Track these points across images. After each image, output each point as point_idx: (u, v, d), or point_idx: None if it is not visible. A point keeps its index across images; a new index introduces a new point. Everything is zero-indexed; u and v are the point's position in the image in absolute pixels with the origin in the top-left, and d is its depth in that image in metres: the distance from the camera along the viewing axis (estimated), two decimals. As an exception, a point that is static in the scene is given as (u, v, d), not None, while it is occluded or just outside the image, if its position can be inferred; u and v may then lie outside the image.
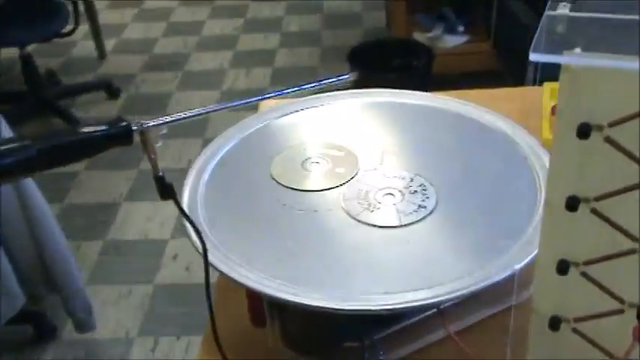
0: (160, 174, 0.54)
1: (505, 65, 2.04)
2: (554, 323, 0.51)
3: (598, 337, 0.50)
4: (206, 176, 0.67)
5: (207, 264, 0.54)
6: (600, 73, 0.40)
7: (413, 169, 0.66)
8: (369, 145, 0.71)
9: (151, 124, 0.56)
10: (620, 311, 0.48)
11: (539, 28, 0.39)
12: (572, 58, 0.39)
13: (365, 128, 0.74)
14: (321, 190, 0.64)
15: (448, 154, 0.68)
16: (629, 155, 0.42)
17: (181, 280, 1.75)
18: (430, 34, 2.26)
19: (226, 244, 0.58)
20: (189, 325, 1.60)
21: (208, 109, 0.63)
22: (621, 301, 0.48)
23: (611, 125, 0.42)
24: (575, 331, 0.50)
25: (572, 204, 0.45)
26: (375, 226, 0.59)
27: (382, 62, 2.16)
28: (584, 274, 0.48)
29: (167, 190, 0.53)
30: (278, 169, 0.68)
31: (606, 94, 0.41)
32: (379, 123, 0.75)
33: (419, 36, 2.25)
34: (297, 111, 0.77)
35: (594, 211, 0.45)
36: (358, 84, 2.05)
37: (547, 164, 0.64)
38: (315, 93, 0.77)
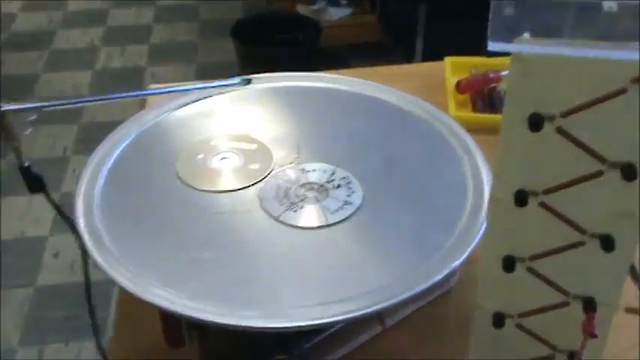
0: (26, 164, 0.47)
1: (392, 37, 2.04)
2: (498, 320, 0.48)
3: (543, 332, 0.48)
4: (102, 181, 0.59)
5: (86, 265, 0.48)
6: (553, 60, 0.38)
7: (333, 161, 0.61)
8: (280, 135, 0.65)
9: (8, 108, 0.49)
10: (566, 304, 0.46)
11: (490, 13, 0.35)
12: (535, 47, 0.35)
13: (273, 117, 0.68)
14: (236, 190, 0.58)
15: (366, 142, 0.64)
16: (582, 146, 0.39)
17: (65, 279, 1.62)
18: (314, 7, 2.21)
19: (132, 257, 0.51)
20: (78, 328, 1.48)
21: (79, 100, 0.56)
22: (567, 294, 0.46)
23: (564, 115, 0.39)
24: (519, 326, 0.48)
25: (522, 198, 0.42)
26: (299, 227, 0.54)
27: (267, 37, 2.09)
28: (530, 270, 0.46)
29: (35, 183, 0.46)
30: (184, 169, 0.61)
31: (558, 82, 0.38)
32: (288, 110, 0.69)
33: (303, 9, 2.20)
34: (195, 101, 0.70)
35: (543, 205, 0.43)
36: (244, 60, 1.96)
37: (470, 145, 0.61)
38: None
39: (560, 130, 0.39)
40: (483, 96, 0.91)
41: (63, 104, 0.57)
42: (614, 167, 0.40)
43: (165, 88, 0.68)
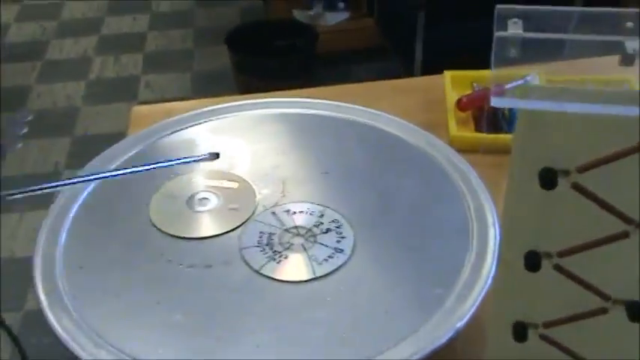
0: None
1: (390, 42, 1.97)
2: (509, 390, 0.43)
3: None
4: (67, 224, 0.54)
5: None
6: (564, 114, 0.32)
7: (321, 201, 0.56)
8: (265, 170, 0.59)
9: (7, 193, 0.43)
10: (585, 375, 0.41)
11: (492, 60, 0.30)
12: (540, 104, 0.29)
13: (257, 148, 0.62)
14: (214, 237, 0.53)
15: (359, 177, 0.58)
16: (604, 205, 0.34)
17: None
18: (310, 12, 2.15)
19: (94, 320, 0.46)
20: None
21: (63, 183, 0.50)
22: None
23: (581, 170, 0.33)
24: (532, 397, 0.43)
25: (533, 261, 0.36)
26: (284, 281, 0.49)
27: (262, 44, 2.03)
28: (544, 337, 0.40)
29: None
30: (158, 212, 0.55)
31: (573, 133, 0.32)
32: (273, 142, 0.63)
33: (299, 14, 2.14)
34: (174, 132, 0.64)
35: (557, 268, 0.37)
36: (239, 70, 1.90)
37: (472, 180, 0.56)
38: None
39: (577, 187, 0.33)
40: (486, 113, 0.85)
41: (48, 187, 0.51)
42: (642, 228, 0.34)
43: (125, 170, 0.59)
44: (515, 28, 0.32)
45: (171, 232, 0.53)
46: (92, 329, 0.45)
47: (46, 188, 0.49)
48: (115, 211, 0.56)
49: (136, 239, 0.53)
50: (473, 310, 0.45)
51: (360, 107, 0.66)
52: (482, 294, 0.46)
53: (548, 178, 0.33)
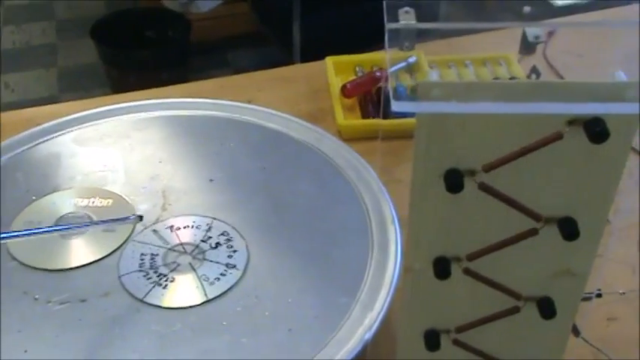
0: None
1: (267, 28, 1.92)
2: (424, 400, 0.40)
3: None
4: None
5: None
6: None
7: (208, 212, 0.51)
8: (142, 183, 0.54)
9: None
10: (500, 375, 0.39)
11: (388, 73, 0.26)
12: (446, 106, 0.26)
13: (133, 159, 0.56)
14: (87, 265, 0.46)
15: (246, 183, 0.54)
16: (511, 203, 0.31)
17: None
18: (181, 0, 2.05)
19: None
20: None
21: None
22: (500, 364, 0.39)
23: (487, 169, 0.30)
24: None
25: (443, 268, 0.34)
26: (173, 308, 0.44)
27: (132, 36, 1.91)
28: (457, 342, 0.38)
29: None
30: (19, 243, 0.48)
31: (478, 131, 0.30)
32: (150, 149, 0.57)
33: (169, 3, 2.03)
34: (33, 145, 0.57)
35: (467, 272, 0.34)
36: (109, 64, 1.78)
37: (366, 175, 0.53)
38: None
39: (484, 187, 0.31)
40: (372, 98, 0.83)
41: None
42: (551, 224, 0.32)
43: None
44: (407, 18, 0.28)
45: (36, 265, 0.46)
46: (-54, 392, 0.38)
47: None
48: (-33, 246, 0.48)
49: (-6, 277, 0.45)
50: (380, 318, 0.42)
51: (242, 104, 0.61)
52: (389, 298, 0.43)
53: (454, 180, 0.30)
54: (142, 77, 1.78)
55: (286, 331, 0.42)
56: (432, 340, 0.37)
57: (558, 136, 0.29)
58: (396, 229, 0.48)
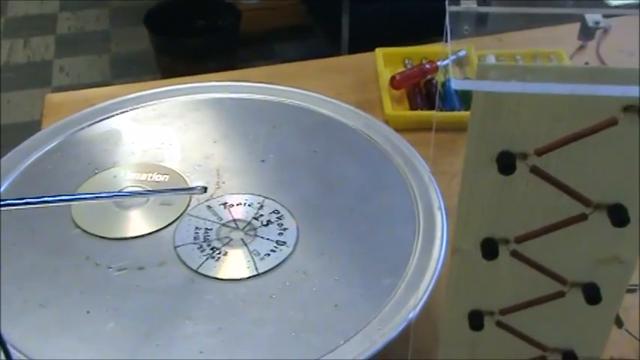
0: None
1: (316, 19, 1.94)
2: (465, 380, 0.41)
3: (516, 390, 0.41)
4: (-22, 232, 0.48)
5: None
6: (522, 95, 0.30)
7: (259, 191, 0.52)
8: (197, 161, 0.56)
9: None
10: (542, 359, 0.40)
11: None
12: (503, 85, 0.27)
13: (188, 139, 0.59)
14: (145, 236, 0.49)
15: (297, 165, 0.55)
16: (562, 187, 0.32)
17: None
18: (232, -11, 2.08)
19: (15, 335, 0.41)
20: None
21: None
22: (544, 348, 0.39)
23: (540, 153, 0.31)
24: (488, 385, 0.41)
25: (491, 249, 0.34)
26: (224, 280, 0.46)
27: (184, 24, 1.95)
28: (500, 324, 0.38)
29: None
30: (82, 211, 0.50)
31: (532, 114, 0.30)
32: (204, 130, 0.60)
33: (220, -8, 2.07)
34: (95, 122, 0.59)
35: (515, 254, 0.35)
36: (160, 51, 1.83)
37: (414, 161, 0.54)
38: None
39: (536, 170, 0.32)
40: (420, 90, 0.84)
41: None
42: (600, 209, 0.33)
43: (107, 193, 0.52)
44: (468, 3, 0.29)
45: (98, 233, 0.49)
46: (14, 346, 0.41)
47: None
48: (33, 212, 0.51)
49: (58, 243, 0.48)
50: (424, 299, 0.43)
51: (294, 89, 0.63)
52: (433, 282, 0.45)
53: (506, 162, 0.31)
54: (191, 65, 1.82)
55: (332, 307, 0.44)
56: (476, 320, 0.38)
57: (613, 122, 0.29)
58: (442, 214, 0.49)
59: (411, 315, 0.42)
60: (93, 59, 2.22)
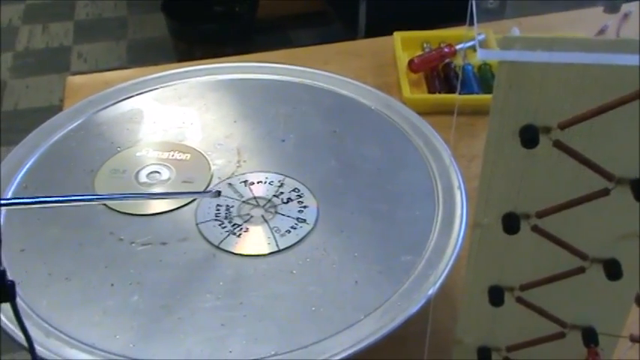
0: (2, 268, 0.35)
1: (333, 6, 1.94)
2: (484, 356, 0.42)
3: (535, 366, 0.42)
4: (2, 209, 0.49)
5: None
6: (549, 63, 0.30)
7: (280, 169, 0.53)
8: (218, 139, 0.56)
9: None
10: (562, 335, 0.40)
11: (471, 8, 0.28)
12: (531, 55, 0.27)
13: (208, 118, 0.59)
14: (168, 212, 0.49)
15: (317, 144, 0.56)
16: (585, 162, 0.32)
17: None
18: (249, -24, 2.08)
19: (42, 307, 0.42)
20: None
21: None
22: (563, 324, 0.40)
23: (563, 127, 0.31)
24: (507, 361, 0.42)
25: (512, 223, 0.35)
26: (246, 255, 0.46)
27: (200, 10, 1.96)
28: (520, 300, 0.39)
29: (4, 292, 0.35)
30: (105, 188, 0.51)
31: (556, 87, 0.31)
32: (224, 110, 0.60)
33: (237, -22, 2.07)
34: (116, 102, 0.60)
35: (536, 229, 0.35)
36: (177, 37, 1.83)
37: (434, 140, 0.54)
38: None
39: (559, 144, 0.32)
40: (438, 74, 0.84)
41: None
42: (623, 184, 0.33)
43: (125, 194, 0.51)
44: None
45: (121, 210, 0.49)
46: (41, 317, 0.42)
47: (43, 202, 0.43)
48: (58, 189, 0.51)
49: (81, 218, 0.49)
50: (444, 276, 0.44)
51: (314, 70, 0.63)
52: (453, 259, 0.45)
53: (529, 136, 0.31)
54: (208, 51, 1.82)
55: (352, 283, 0.44)
56: (496, 296, 0.38)
57: (637, 96, 0.29)
58: (462, 194, 0.49)
59: (431, 291, 0.43)
60: (110, 45, 2.23)
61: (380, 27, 1.02)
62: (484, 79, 0.81)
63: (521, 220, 0.35)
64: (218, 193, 0.49)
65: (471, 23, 0.32)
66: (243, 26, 1.96)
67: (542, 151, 0.32)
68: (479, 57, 0.27)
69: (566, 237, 0.36)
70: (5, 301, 0.34)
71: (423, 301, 0.42)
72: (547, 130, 0.32)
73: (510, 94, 0.31)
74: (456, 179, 0.51)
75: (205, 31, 1.88)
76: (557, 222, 0.35)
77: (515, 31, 0.27)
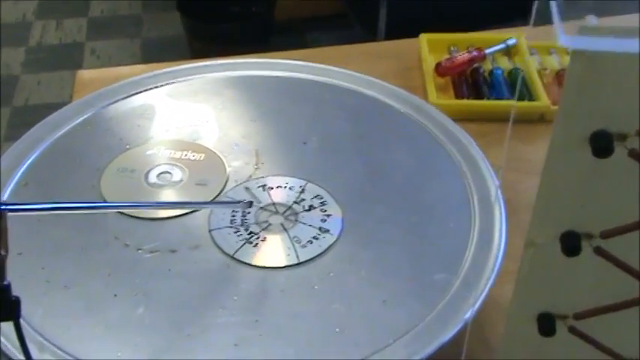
0: (6, 282, 0.31)
1: (352, 8, 1.90)
2: (527, 389, 0.37)
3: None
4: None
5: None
6: (631, 59, 0.26)
7: (301, 174, 0.49)
8: (235, 140, 0.52)
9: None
10: (618, 371, 0.35)
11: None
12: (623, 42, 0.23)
13: (225, 116, 0.55)
14: (179, 217, 0.45)
15: (342, 148, 0.52)
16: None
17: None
18: (267, -24, 2.05)
19: (37, 318, 0.38)
20: None
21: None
22: (618, 358, 0.35)
23: (641, 135, 0.27)
24: (553, 397, 0.37)
25: (573, 244, 0.30)
26: (262, 267, 0.42)
27: (217, 10, 1.92)
28: (573, 330, 0.34)
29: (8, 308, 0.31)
30: (112, 188, 0.47)
31: (631, 92, 0.26)
32: (243, 108, 0.56)
33: (254, -22, 2.03)
34: (129, 95, 0.56)
35: (599, 251, 0.31)
36: (193, 36, 1.79)
37: (469, 148, 0.50)
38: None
39: (635, 154, 0.28)
40: (466, 78, 0.80)
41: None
42: None
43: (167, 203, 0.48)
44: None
45: (128, 213, 0.45)
46: (34, 328, 0.38)
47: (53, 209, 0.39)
48: (61, 188, 0.47)
49: (85, 221, 0.45)
50: (482, 298, 0.39)
51: (339, 68, 0.59)
52: (492, 279, 0.40)
53: (602, 143, 0.27)
54: (223, 51, 1.78)
55: (380, 302, 0.40)
56: (546, 324, 0.34)
57: None
58: (500, 206, 0.45)
59: (469, 315, 0.38)
60: (124, 43, 2.20)
61: (399, 31, 0.98)
62: (514, 83, 0.77)
63: (583, 240, 0.31)
64: (250, 204, 0.45)
65: (535, 23, 0.28)
66: (260, 27, 1.93)
67: (615, 161, 0.28)
68: (561, 42, 0.23)
69: (633, 262, 0.31)
70: (7, 319, 0.30)
71: (459, 326, 0.38)
72: (623, 137, 0.27)
73: (583, 94, 0.26)
74: (494, 190, 0.47)
75: (221, 30, 1.85)
76: (625, 244, 0.31)
77: (593, 20, 0.23)
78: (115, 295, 0.40)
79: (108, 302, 0.39)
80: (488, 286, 0.40)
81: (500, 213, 0.45)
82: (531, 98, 0.74)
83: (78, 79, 0.78)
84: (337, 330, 0.38)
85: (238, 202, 0.45)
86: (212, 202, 0.46)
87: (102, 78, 0.80)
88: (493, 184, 0.47)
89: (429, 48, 0.83)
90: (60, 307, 0.39)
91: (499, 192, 0.46)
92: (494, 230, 0.44)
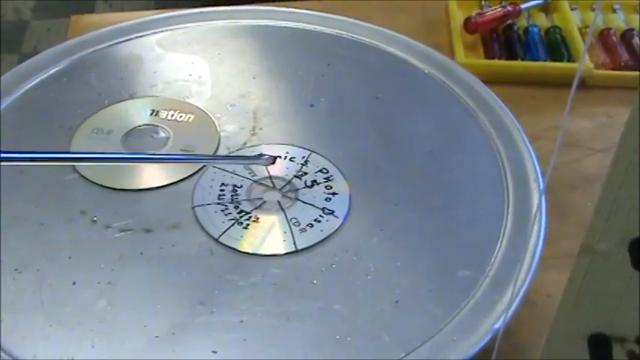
0: None
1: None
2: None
3: None
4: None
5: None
6: None
7: (305, 142, 0.42)
8: (230, 100, 0.45)
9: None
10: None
11: None
12: None
13: (221, 71, 0.48)
14: (158, 189, 0.38)
15: (354, 113, 0.44)
16: None
17: None
18: None
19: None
20: None
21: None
22: (687, 392, 0.28)
23: None
24: None
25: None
26: (253, 255, 0.35)
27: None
28: (633, 356, 0.27)
29: None
30: (83, 150, 0.40)
31: None
32: (242, 62, 0.49)
33: None
34: (113, 44, 0.49)
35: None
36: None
37: (505, 119, 0.42)
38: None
39: None
40: (498, 36, 0.72)
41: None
42: None
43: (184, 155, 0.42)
44: None
45: (99, 182, 0.38)
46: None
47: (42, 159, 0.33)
48: (25, 149, 0.41)
49: (49, 190, 0.38)
50: (517, 303, 0.32)
51: (356, 20, 0.51)
52: (528, 280, 0.33)
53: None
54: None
55: (392, 303, 0.33)
56: (599, 347, 0.27)
57: None
58: (540, 188, 0.38)
59: (499, 324, 0.32)
60: (137, -9, 2.11)
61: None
62: (552, 43, 0.69)
63: (657, 248, 0.24)
64: (273, 160, 0.38)
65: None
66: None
67: None
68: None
69: None
70: None
71: (487, 338, 0.31)
72: None
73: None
74: (532, 169, 0.39)
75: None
76: None
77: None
78: (74, 284, 0.33)
79: (64, 292, 0.33)
80: (524, 288, 0.33)
81: (540, 198, 0.37)
82: (570, 59, 0.66)
83: (72, 24, 0.71)
84: (337, 337, 0.31)
85: (258, 156, 0.38)
86: (221, 156, 0.40)
87: (100, 24, 0.73)
88: (532, 161, 0.39)
89: (459, 5, 0.75)
90: (5, 295, 0.33)
91: (543, 199, 0.38)
92: (529, 218, 0.36)
